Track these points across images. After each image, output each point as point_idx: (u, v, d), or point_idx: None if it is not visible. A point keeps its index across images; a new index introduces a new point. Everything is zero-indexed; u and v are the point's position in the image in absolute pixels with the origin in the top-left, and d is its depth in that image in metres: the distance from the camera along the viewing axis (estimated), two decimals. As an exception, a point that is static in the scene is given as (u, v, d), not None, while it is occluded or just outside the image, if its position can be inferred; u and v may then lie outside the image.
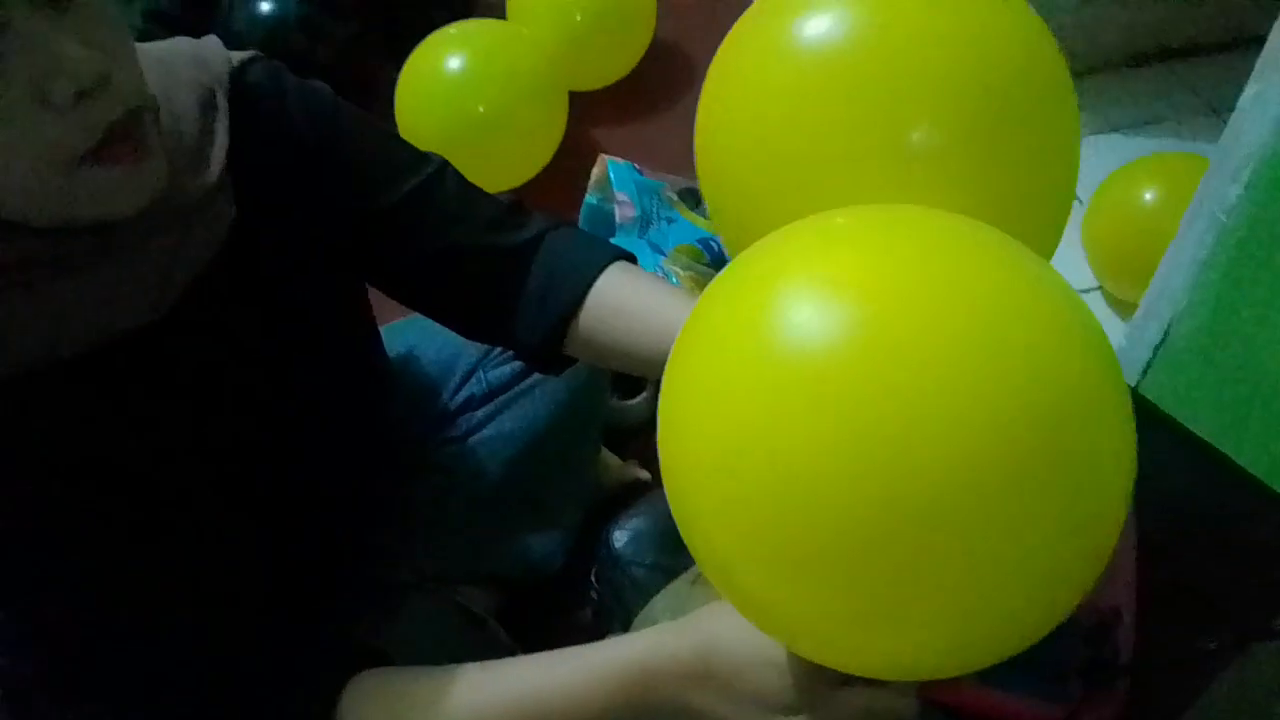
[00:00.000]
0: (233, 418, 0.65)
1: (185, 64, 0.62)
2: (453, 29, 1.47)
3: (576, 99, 1.53)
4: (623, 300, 0.68)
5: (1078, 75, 0.51)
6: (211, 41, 0.65)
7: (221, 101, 0.62)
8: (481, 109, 1.38)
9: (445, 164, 0.71)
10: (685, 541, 0.46)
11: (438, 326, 0.94)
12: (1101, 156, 1.39)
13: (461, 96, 1.39)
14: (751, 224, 0.51)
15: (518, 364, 0.92)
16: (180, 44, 0.64)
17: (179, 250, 0.57)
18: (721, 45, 0.54)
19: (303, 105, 0.66)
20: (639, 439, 1.15)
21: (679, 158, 1.48)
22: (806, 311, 0.41)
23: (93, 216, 0.52)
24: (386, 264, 0.71)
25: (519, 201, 0.73)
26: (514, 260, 0.70)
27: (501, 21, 1.55)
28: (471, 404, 0.93)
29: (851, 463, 0.38)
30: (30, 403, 0.53)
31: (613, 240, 1.21)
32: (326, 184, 0.67)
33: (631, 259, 0.72)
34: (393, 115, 1.43)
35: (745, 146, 0.52)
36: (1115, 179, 1.25)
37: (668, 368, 0.45)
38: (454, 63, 1.40)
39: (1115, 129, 1.51)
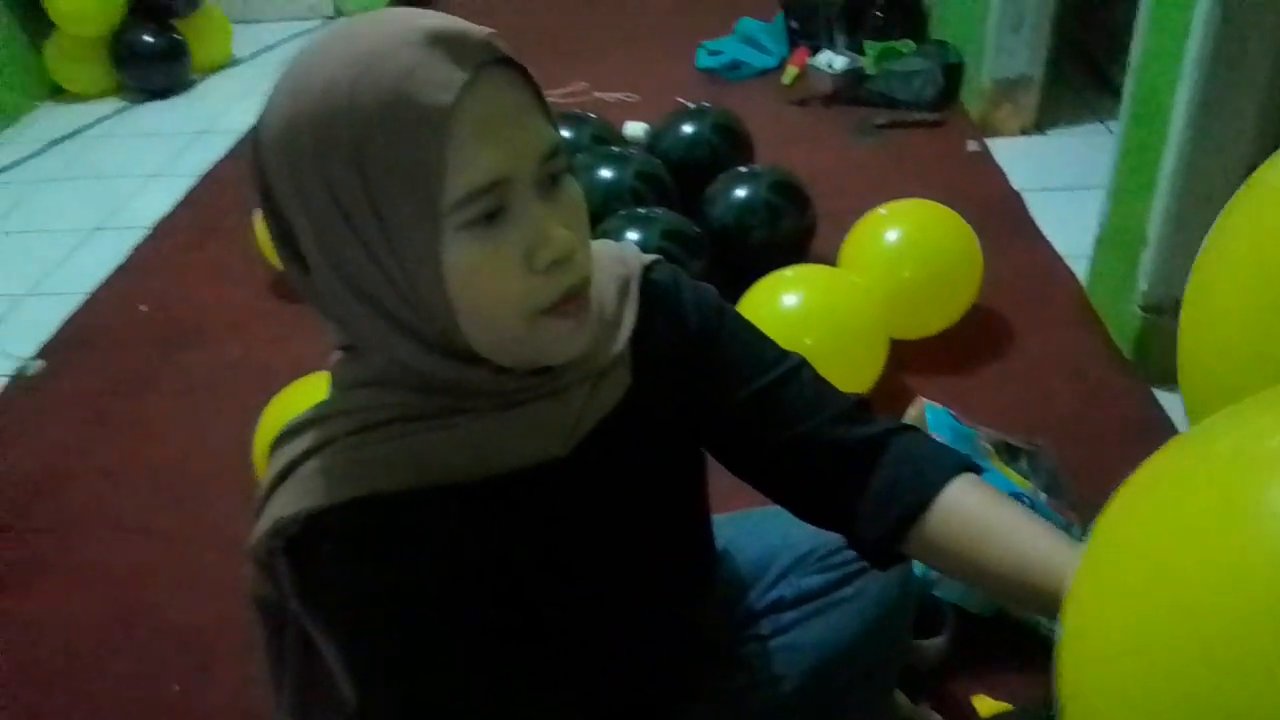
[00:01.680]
0: (587, 557, 0.74)
1: (610, 258, 0.76)
2: (789, 271, 1.62)
3: (897, 345, 1.61)
4: (973, 512, 0.69)
5: None
6: (629, 244, 0.80)
7: (633, 290, 0.75)
8: (808, 342, 1.49)
9: (804, 361, 0.79)
10: None
11: (757, 526, 1.01)
12: None
13: (791, 329, 1.51)
14: None
15: (830, 574, 0.95)
16: (606, 244, 0.79)
17: (588, 403, 0.69)
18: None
19: (694, 301, 0.78)
20: (931, 682, 1.12)
21: (991, 413, 1.51)
22: None
23: (537, 359, 0.65)
24: (742, 446, 0.79)
25: (866, 400, 0.79)
26: (861, 454, 0.75)
27: (833, 268, 1.69)
28: (780, 606, 0.96)
29: None
30: (449, 510, 0.65)
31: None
32: (705, 369, 0.77)
33: (979, 471, 0.74)
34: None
35: None
36: None
37: (1082, 588, 0.42)
38: (789, 299, 1.54)
39: None
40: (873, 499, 0.73)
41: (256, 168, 0.61)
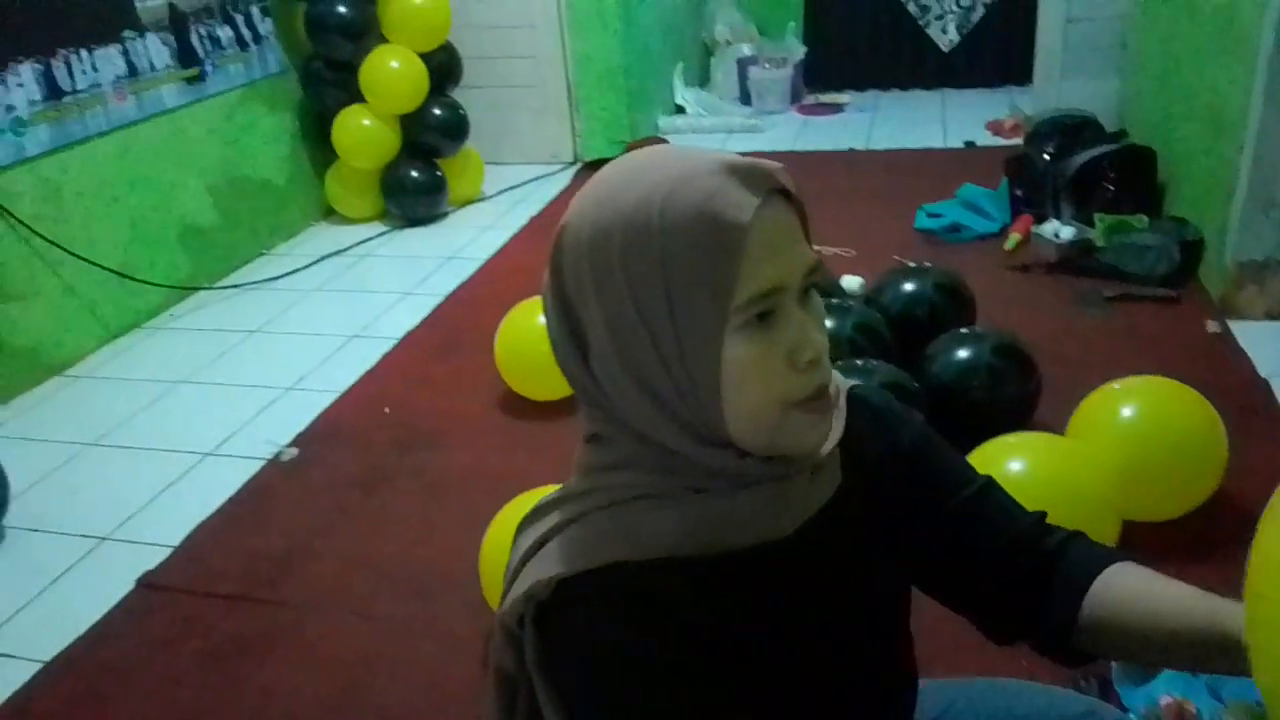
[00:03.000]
0: (799, 639, 0.76)
1: None
2: (1013, 438, 1.60)
3: (1130, 526, 1.53)
4: (1132, 579, 0.75)
5: None
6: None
7: (841, 401, 0.80)
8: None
9: (992, 480, 0.83)
10: None
11: (979, 695, 0.98)
12: None
13: (1016, 498, 1.47)
14: None
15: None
16: None
17: (809, 489, 0.74)
18: None
19: (907, 421, 0.84)
20: None
21: (1238, 610, 1.40)
22: None
23: (783, 447, 0.70)
24: (943, 554, 0.82)
25: (1044, 513, 0.82)
26: (1046, 563, 0.79)
27: (1061, 437, 1.65)
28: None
29: None
30: (686, 581, 0.70)
31: (1156, 679, 1.21)
32: (919, 482, 0.82)
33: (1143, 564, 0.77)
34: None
35: None
36: None
37: None
38: (1014, 465, 1.51)
39: None
40: (1050, 595, 0.78)
41: (555, 262, 0.71)
